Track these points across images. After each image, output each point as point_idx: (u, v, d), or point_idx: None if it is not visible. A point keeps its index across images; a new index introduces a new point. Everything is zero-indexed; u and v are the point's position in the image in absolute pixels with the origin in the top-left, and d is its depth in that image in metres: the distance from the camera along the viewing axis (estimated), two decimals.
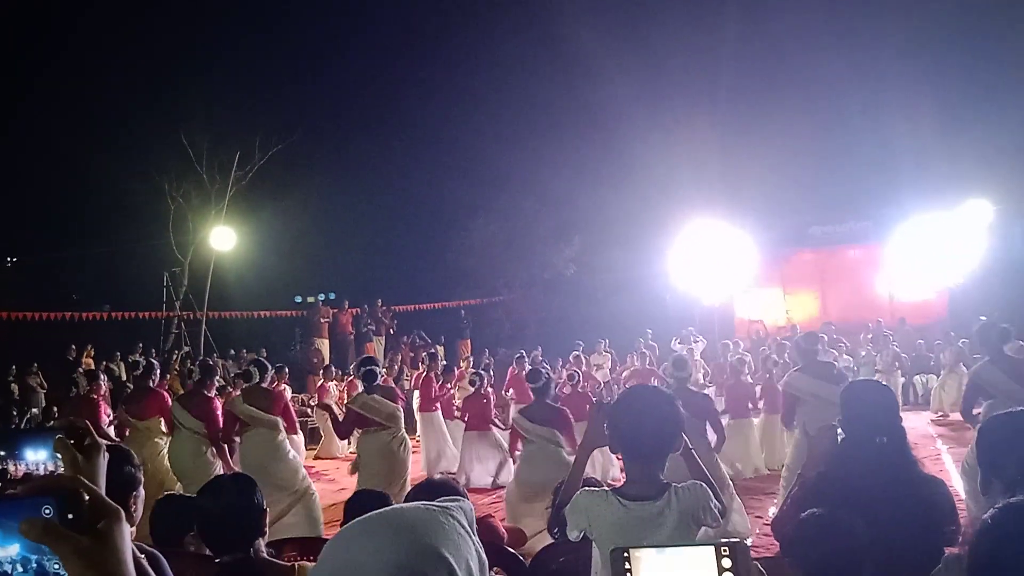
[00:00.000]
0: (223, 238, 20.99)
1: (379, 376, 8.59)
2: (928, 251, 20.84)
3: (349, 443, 12.82)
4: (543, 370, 8.59)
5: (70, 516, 1.09)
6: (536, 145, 25.42)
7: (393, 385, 8.93)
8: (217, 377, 8.93)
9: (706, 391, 10.98)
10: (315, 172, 24.52)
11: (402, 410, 8.45)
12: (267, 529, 2.98)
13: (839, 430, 3.47)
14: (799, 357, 7.91)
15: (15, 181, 24.01)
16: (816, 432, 3.51)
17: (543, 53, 25.99)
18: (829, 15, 24.19)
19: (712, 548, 1.32)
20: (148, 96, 22.27)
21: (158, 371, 9.67)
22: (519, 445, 8.35)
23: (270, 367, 8.74)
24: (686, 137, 23.50)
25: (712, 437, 7.64)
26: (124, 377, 16.34)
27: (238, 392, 9.41)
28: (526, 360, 14.87)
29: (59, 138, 22.90)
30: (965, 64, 22.76)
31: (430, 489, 2.85)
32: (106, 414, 10.02)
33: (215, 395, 8.69)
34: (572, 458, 7.95)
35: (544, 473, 7.48)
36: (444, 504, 1.25)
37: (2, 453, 1.84)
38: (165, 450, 8.68)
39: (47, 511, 1.08)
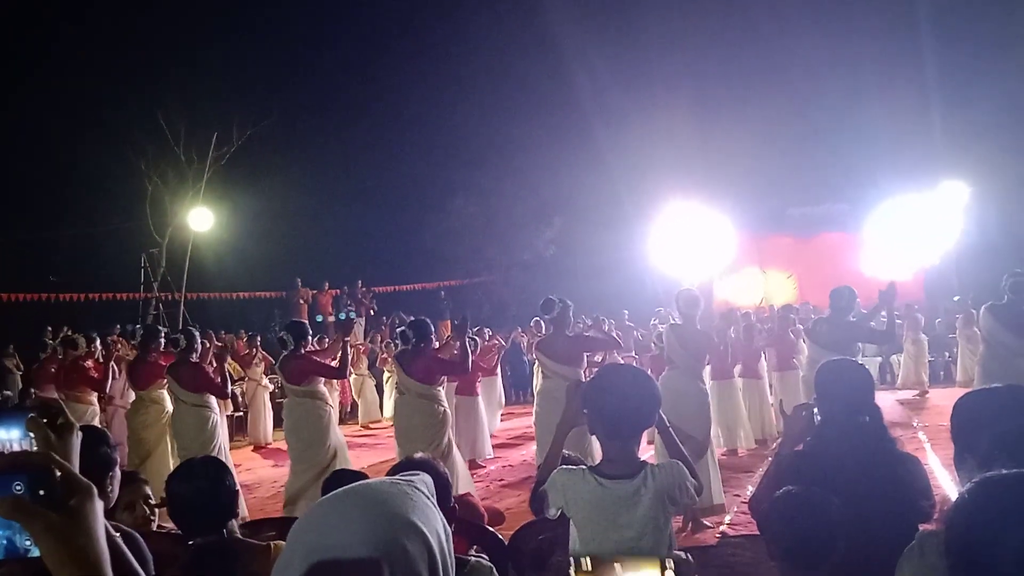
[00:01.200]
0: (201, 219, 20.88)
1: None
2: (904, 232, 21.00)
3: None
4: (556, 299, 8.12)
5: (41, 492, 1.09)
6: (515, 126, 25.42)
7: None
8: (200, 342, 8.81)
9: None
10: (293, 153, 24.39)
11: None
12: (240, 511, 2.98)
13: (815, 409, 3.49)
14: (830, 309, 8.16)
15: None
16: (792, 411, 3.53)
17: (522, 33, 25.94)
18: None
19: (657, 561, 1.34)
20: (125, 76, 22.03)
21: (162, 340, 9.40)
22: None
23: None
24: (665, 118, 23.53)
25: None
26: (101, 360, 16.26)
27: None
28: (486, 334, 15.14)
29: (35, 118, 22.62)
30: (941, 45, 22.85)
31: (409, 467, 2.85)
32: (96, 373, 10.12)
33: (199, 361, 8.59)
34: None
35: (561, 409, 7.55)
36: (406, 478, 1.28)
37: None
38: (159, 419, 8.72)
39: (18, 488, 1.08)
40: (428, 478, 1.33)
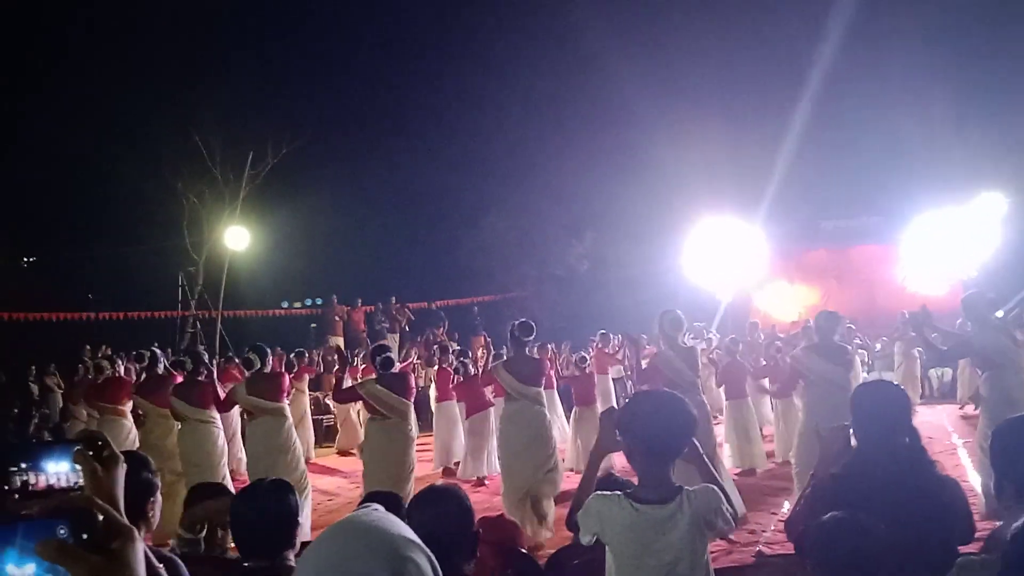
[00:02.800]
0: (237, 237, 21.06)
1: (395, 364, 8.56)
2: (942, 244, 20.75)
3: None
4: (533, 324, 8.43)
5: (84, 536, 1.12)
6: (547, 142, 25.47)
7: (409, 375, 8.90)
8: (207, 363, 9.08)
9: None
10: (328, 171, 24.56)
11: (411, 404, 8.37)
12: (297, 541, 2.99)
13: (851, 431, 3.48)
14: (815, 334, 7.90)
15: (31, 181, 24.14)
16: (828, 432, 3.51)
17: (555, 50, 25.98)
18: (840, 9, 24.08)
19: None
20: (162, 96, 22.32)
21: (163, 361, 10.08)
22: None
23: (268, 351, 8.79)
24: (698, 131, 23.42)
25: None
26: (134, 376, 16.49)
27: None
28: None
29: (74, 139, 23.01)
30: (977, 56, 22.64)
31: (429, 496, 2.87)
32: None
33: (207, 381, 8.95)
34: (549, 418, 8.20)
35: (528, 432, 7.87)
36: (372, 507, 1.41)
37: (23, 465, 1.87)
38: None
39: (62, 531, 1.11)
40: (380, 506, 1.46)
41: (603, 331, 15.38)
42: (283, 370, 11.11)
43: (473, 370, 12.19)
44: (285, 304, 25.28)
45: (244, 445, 9.42)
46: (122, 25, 24.15)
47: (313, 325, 22.95)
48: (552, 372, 13.01)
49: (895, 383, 4.06)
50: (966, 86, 22.43)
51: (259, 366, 8.44)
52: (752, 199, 21.84)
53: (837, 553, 2.76)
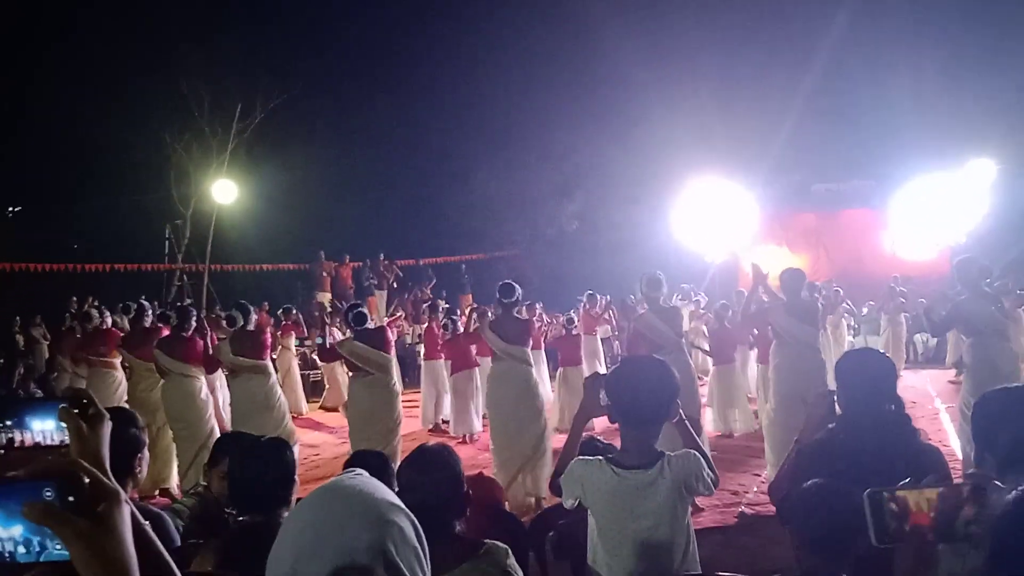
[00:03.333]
0: (225, 191, 20.94)
1: (367, 319, 8.56)
2: (931, 210, 20.82)
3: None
4: (516, 287, 8.39)
5: (71, 499, 1.12)
6: (538, 100, 25.29)
7: (386, 329, 8.92)
8: (193, 319, 9.02)
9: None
10: (316, 126, 24.40)
11: (391, 357, 8.42)
12: (293, 498, 3.01)
13: (835, 397, 3.49)
14: (782, 292, 7.91)
15: (16, 131, 23.90)
16: (813, 398, 3.52)
17: (547, 8, 25.73)
18: None
19: None
20: (149, 48, 22.04)
21: (149, 313, 9.99)
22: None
23: (251, 309, 8.82)
24: (688, 93, 23.34)
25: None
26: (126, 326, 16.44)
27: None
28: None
29: (60, 89, 22.72)
30: (969, 21, 22.51)
31: (420, 455, 2.87)
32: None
33: (191, 335, 8.88)
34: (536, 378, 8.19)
35: (515, 391, 7.84)
36: (355, 471, 1.43)
37: (8, 423, 1.87)
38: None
39: (48, 494, 1.11)
40: (364, 471, 1.47)
41: (590, 292, 15.40)
42: (267, 327, 11.13)
43: (460, 328, 12.25)
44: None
45: (229, 401, 9.43)
46: None
47: (299, 282, 22.94)
48: (538, 333, 13.12)
49: (880, 351, 4.07)
50: (957, 52, 22.35)
51: (243, 323, 8.46)
52: (743, 161, 21.82)
53: (816, 520, 2.78)
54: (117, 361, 10.34)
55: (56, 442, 1.83)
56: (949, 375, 15.07)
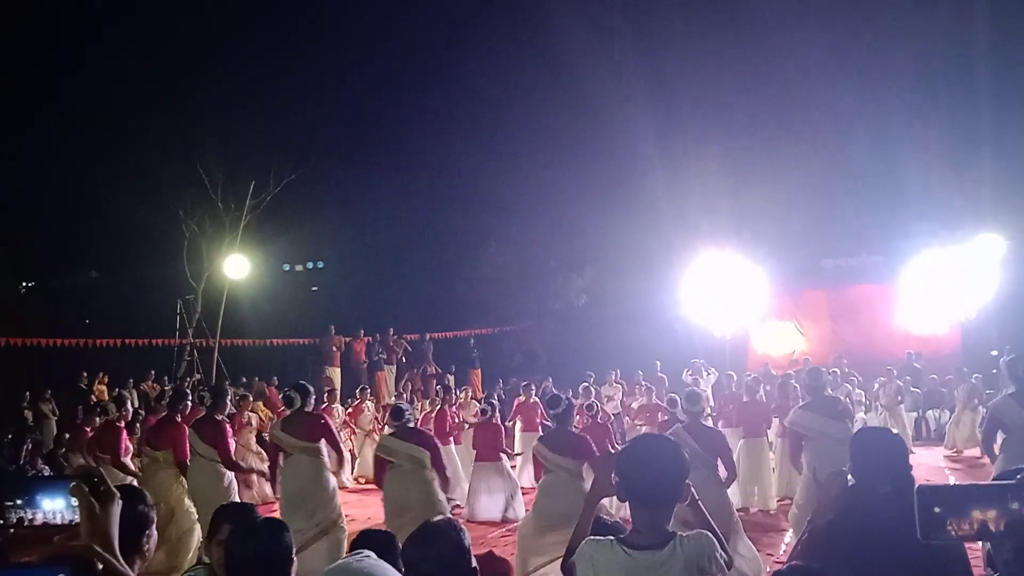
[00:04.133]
0: (237, 266, 21.06)
1: (406, 416, 8.46)
2: (941, 285, 20.80)
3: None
4: (563, 396, 8.26)
5: None
6: (547, 175, 25.57)
7: (424, 432, 8.86)
8: (228, 400, 8.93)
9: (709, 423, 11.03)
10: (328, 201, 24.67)
11: (427, 452, 8.20)
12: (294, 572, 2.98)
13: (849, 476, 3.47)
14: (805, 393, 7.88)
15: (31, 206, 24.23)
16: (826, 478, 3.50)
17: (555, 85, 26.19)
18: (840, 48, 24.30)
19: None
20: (164, 124, 22.44)
21: (188, 401, 9.63)
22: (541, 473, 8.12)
23: (312, 390, 8.66)
24: (697, 168, 23.58)
25: (723, 474, 7.51)
26: (136, 405, 16.37)
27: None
28: (533, 389, 15.00)
29: (75, 164, 23.13)
30: (977, 97, 22.78)
31: (426, 533, 2.85)
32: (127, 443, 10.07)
33: (225, 419, 8.79)
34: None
35: (562, 505, 7.30)
36: (363, 554, 1.39)
37: (19, 501, 1.89)
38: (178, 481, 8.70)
39: None
40: (371, 552, 1.44)
41: (585, 384, 15.29)
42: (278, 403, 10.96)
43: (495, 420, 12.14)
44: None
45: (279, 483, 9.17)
46: (125, 52, 24.34)
47: (310, 357, 22.94)
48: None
49: (893, 431, 4.05)
50: (966, 127, 22.59)
51: (300, 404, 8.31)
52: (752, 236, 21.95)
53: None
54: (128, 462, 10.05)
55: (65, 521, 1.84)
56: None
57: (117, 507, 1.61)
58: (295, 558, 3.06)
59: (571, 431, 8.11)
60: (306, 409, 8.32)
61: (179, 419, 8.87)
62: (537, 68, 26.99)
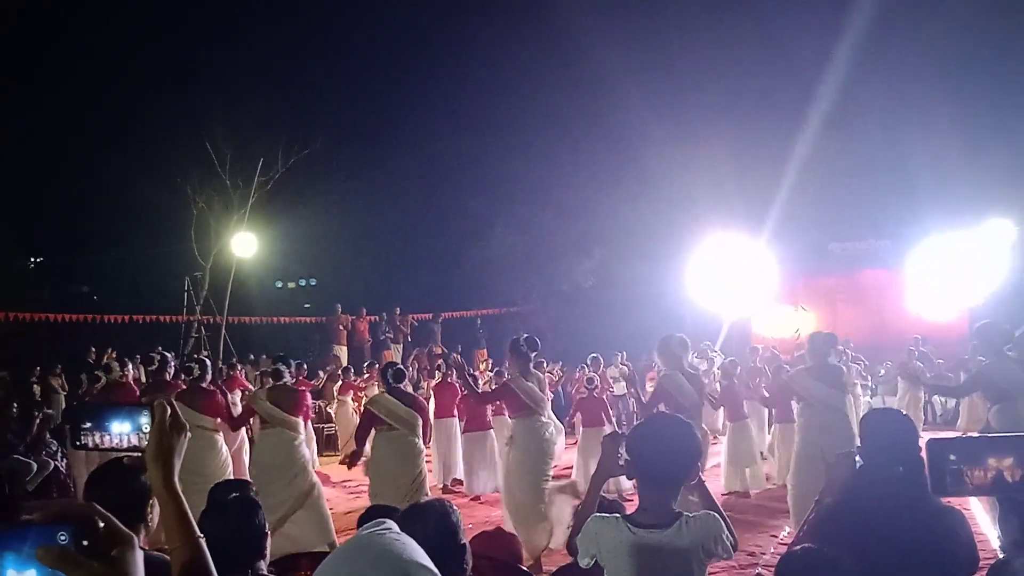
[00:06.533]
0: (245, 244, 21.08)
1: (405, 379, 8.60)
2: (949, 270, 20.72)
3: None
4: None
5: (85, 543, 1.12)
6: (555, 157, 25.51)
7: (415, 394, 8.98)
8: (210, 371, 9.12)
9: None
10: (336, 180, 24.63)
11: (420, 419, 8.36)
12: (267, 552, 2.99)
13: (857, 457, 3.47)
14: (809, 356, 7.86)
15: (40, 183, 24.28)
16: (834, 459, 3.50)
17: (563, 65, 26.05)
18: (850, 31, 24.13)
19: None
20: (172, 101, 22.47)
21: (172, 366, 9.94)
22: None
23: (292, 364, 8.85)
24: (706, 150, 23.46)
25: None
26: (143, 379, 16.45)
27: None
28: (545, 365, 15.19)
29: (83, 142, 23.15)
30: (987, 81, 22.65)
31: (413, 512, 2.85)
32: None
33: (212, 388, 8.98)
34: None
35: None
36: (385, 526, 1.40)
37: (88, 425, 1.97)
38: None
39: (63, 538, 1.11)
40: (393, 524, 1.46)
41: (595, 355, 15.32)
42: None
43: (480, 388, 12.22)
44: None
45: (251, 455, 9.38)
46: (134, 30, 24.30)
47: (316, 335, 23.01)
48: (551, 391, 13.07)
49: (903, 412, 4.05)
50: (976, 110, 22.45)
51: (284, 379, 8.51)
52: (760, 220, 21.86)
53: None
54: None
55: (131, 445, 1.93)
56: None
57: (185, 438, 1.77)
58: (269, 532, 3.08)
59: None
60: (287, 383, 8.52)
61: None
62: (546, 49, 26.87)
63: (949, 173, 21.34)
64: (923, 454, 3.34)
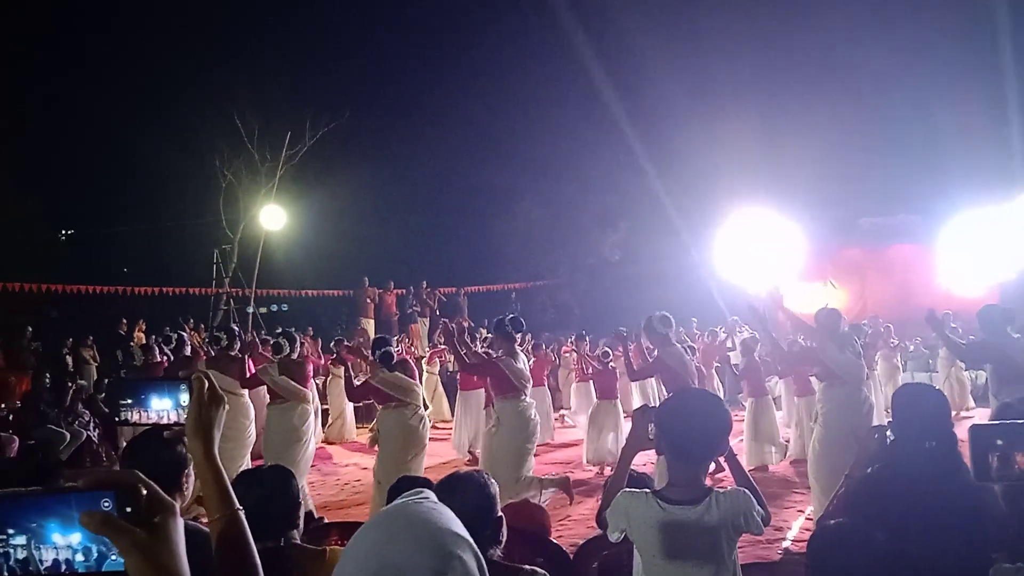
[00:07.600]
0: (273, 217, 21.14)
1: (394, 356, 8.61)
2: (980, 246, 20.48)
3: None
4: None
5: (128, 509, 1.14)
6: (582, 131, 25.38)
7: (408, 360, 9.03)
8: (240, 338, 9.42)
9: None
10: (363, 153, 24.66)
11: (420, 386, 8.52)
12: (300, 522, 3.02)
13: (889, 432, 3.46)
14: (820, 332, 7.74)
15: (71, 156, 24.47)
16: (865, 434, 3.49)
17: (591, 39, 25.84)
18: (879, 4, 23.81)
19: None
20: (201, 74, 22.49)
21: (188, 341, 10.36)
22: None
23: (298, 339, 8.97)
24: (733, 124, 23.27)
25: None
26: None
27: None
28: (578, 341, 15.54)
29: (114, 115, 23.27)
30: (1020, 55, 22.24)
31: (448, 482, 2.87)
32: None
33: (241, 355, 9.20)
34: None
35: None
36: (423, 495, 1.43)
37: (129, 401, 1.99)
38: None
39: (106, 504, 1.13)
40: (431, 493, 1.46)
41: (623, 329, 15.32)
42: (312, 355, 11.24)
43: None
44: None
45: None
46: (164, 3, 24.36)
47: (344, 309, 23.11)
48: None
49: (935, 386, 4.02)
50: (1008, 83, 22.06)
51: (288, 352, 8.59)
52: (788, 194, 21.65)
53: (833, 561, 2.74)
54: None
55: (171, 420, 1.96)
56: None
57: (224, 410, 1.75)
58: (302, 502, 3.11)
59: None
60: (293, 356, 8.68)
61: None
62: (574, 23, 26.65)
63: (980, 147, 21.07)
64: (955, 430, 3.35)
